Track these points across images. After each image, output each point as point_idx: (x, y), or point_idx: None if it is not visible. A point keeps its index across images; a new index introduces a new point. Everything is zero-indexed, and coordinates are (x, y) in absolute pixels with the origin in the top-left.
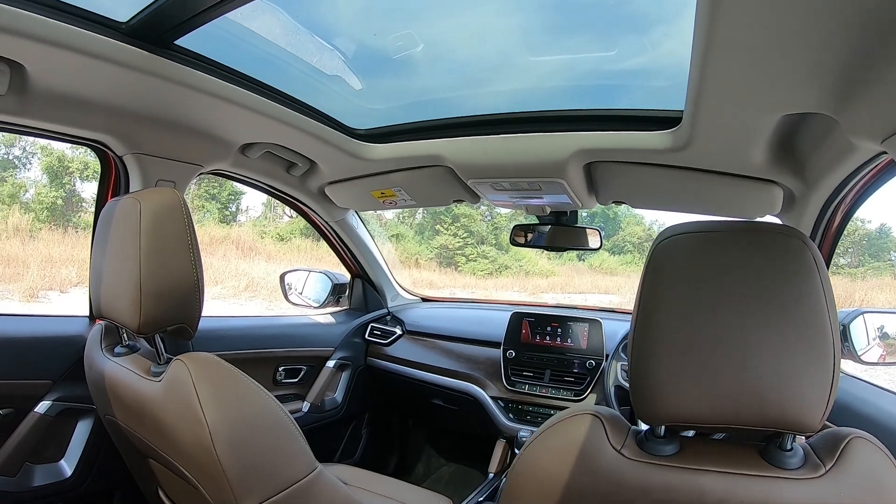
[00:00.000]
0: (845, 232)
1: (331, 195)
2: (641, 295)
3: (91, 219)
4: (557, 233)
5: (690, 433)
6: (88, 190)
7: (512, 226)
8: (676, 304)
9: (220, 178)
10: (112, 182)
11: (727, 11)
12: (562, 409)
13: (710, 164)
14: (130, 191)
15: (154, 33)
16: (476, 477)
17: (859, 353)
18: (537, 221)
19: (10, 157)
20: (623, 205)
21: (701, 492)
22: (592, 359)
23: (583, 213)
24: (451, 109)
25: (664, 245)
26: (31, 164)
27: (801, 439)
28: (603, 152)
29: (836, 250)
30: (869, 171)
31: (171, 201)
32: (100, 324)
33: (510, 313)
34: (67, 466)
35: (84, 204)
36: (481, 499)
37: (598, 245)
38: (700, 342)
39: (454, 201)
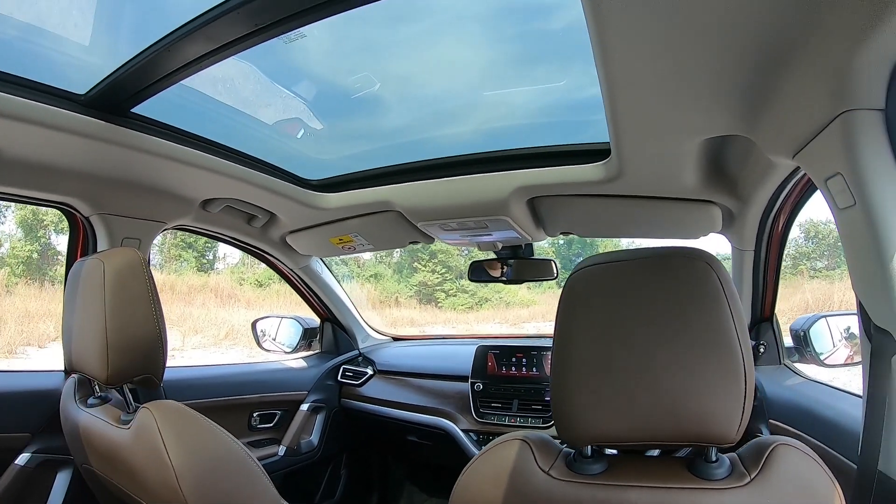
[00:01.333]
0: (820, 235)
1: (292, 243)
2: (558, 323)
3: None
4: (516, 266)
5: (616, 452)
6: (63, 242)
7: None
8: (591, 331)
9: None
10: (80, 241)
11: (618, 50)
12: None
13: (644, 191)
14: (98, 248)
15: (111, 103)
16: None
17: (822, 358)
18: (494, 257)
19: None
20: (570, 234)
21: None
22: None
23: (559, 241)
24: (400, 156)
25: (578, 276)
26: (4, 217)
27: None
28: (542, 187)
29: (812, 254)
30: (798, 183)
31: (132, 260)
32: (73, 377)
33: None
34: None
35: (59, 257)
36: None
37: (555, 275)
38: (615, 366)
39: (410, 243)
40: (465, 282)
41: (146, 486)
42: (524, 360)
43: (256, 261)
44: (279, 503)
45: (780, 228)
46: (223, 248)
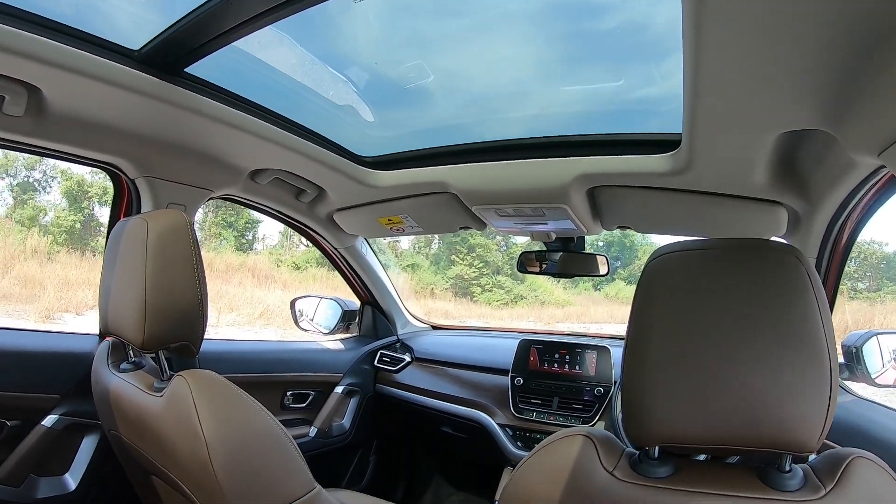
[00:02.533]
0: (863, 255)
1: (339, 222)
2: (634, 314)
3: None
4: (565, 259)
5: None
6: (106, 214)
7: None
8: (669, 322)
9: (237, 206)
10: (124, 204)
11: (713, 38)
12: None
13: (711, 187)
14: (143, 212)
15: (165, 61)
16: None
17: (873, 376)
18: (545, 248)
19: (31, 181)
20: (629, 230)
21: None
22: (601, 386)
23: (598, 243)
24: (456, 136)
25: (656, 263)
26: (50, 187)
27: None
28: (604, 177)
29: (854, 274)
30: (872, 186)
31: (177, 223)
32: (108, 340)
33: (518, 340)
34: (72, 480)
35: (101, 228)
36: None
37: (606, 271)
38: (693, 361)
39: (461, 228)
40: (502, 277)
41: (175, 456)
42: (567, 356)
43: (295, 243)
44: (312, 485)
45: (845, 237)
46: (262, 230)
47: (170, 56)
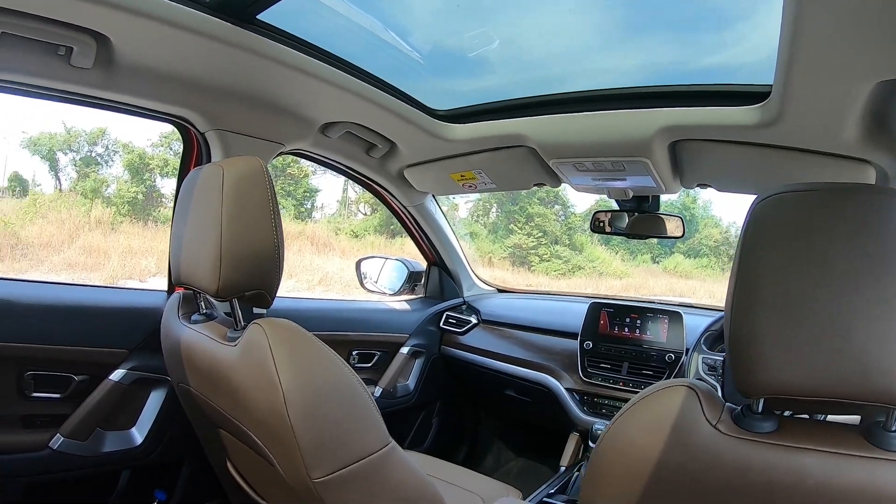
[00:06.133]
0: None
1: (410, 178)
2: (740, 258)
3: (170, 213)
4: (639, 219)
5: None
6: (168, 186)
7: (592, 213)
8: (778, 266)
9: (297, 175)
10: (194, 158)
11: None
12: None
13: (799, 142)
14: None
15: (237, 6)
16: (546, 472)
17: None
18: (618, 208)
19: (93, 155)
20: (707, 188)
21: (801, 473)
22: (672, 352)
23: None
24: (533, 88)
25: (765, 204)
26: (112, 161)
27: None
28: (688, 129)
29: None
30: None
31: (254, 168)
32: (178, 292)
33: (587, 304)
34: (138, 434)
35: (163, 199)
36: (552, 491)
37: (681, 233)
38: (802, 308)
39: (535, 184)
40: (560, 247)
41: (249, 407)
42: (638, 321)
43: (352, 212)
44: (387, 440)
45: None
46: (321, 199)
47: (241, 2)
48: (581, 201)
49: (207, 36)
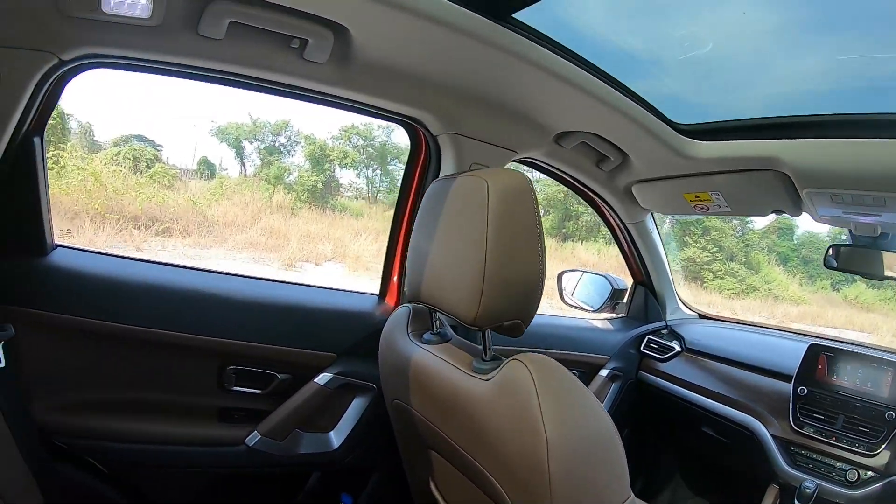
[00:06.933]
0: None
1: (637, 194)
2: None
3: (347, 202)
4: (882, 258)
5: None
6: (346, 176)
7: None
8: None
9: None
10: (421, 161)
11: None
12: (849, 462)
13: None
14: (442, 172)
15: (493, 2)
16: None
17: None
18: (856, 242)
19: (277, 145)
20: None
21: None
22: (893, 410)
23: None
24: (791, 107)
25: None
26: (294, 151)
27: None
28: None
29: None
30: None
31: (522, 185)
32: (407, 306)
33: (804, 344)
34: (335, 438)
35: (341, 189)
36: None
37: None
38: None
39: (773, 212)
40: (736, 265)
41: (495, 447)
42: (860, 370)
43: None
44: (628, 493)
45: None
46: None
47: None
48: (759, 217)
49: (459, 31)
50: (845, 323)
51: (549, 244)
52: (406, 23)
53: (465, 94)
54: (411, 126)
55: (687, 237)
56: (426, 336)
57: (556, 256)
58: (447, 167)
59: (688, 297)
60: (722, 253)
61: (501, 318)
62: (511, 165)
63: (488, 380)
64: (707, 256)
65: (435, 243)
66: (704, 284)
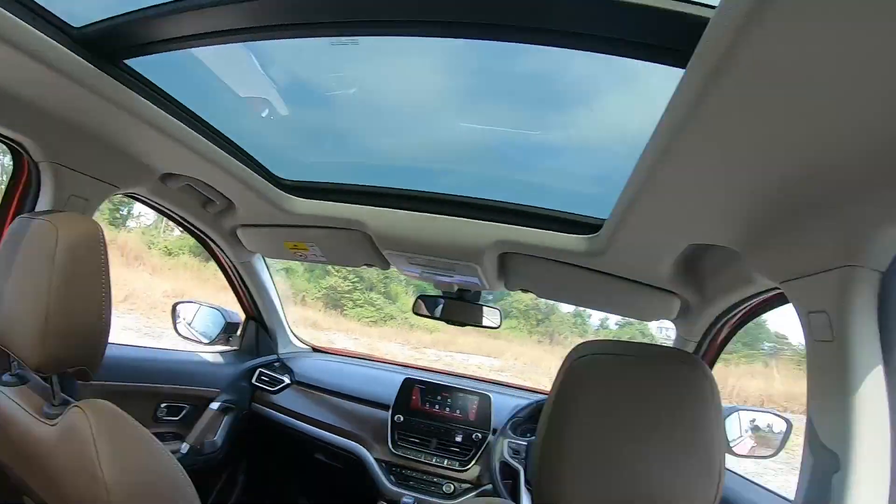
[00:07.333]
0: None
1: (242, 238)
2: (554, 402)
3: None
4: (460, 308)
5: None
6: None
7: (414, 297)
8: (586, 418)
9: None
10: (21, 186)
11: (678, 149)
12: (446, 477)
13: (619, 271)
14: (40, 199)
15: (105, 47)
16: None
17: (731, 445)
18: (441, 294)
19: None
20: (528, 293)
21: None
22: (479, 432)
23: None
24: (377, 177)
25: (581, 362)
26: None
27: None
28: (521, 246)
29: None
30: (762, 296)
31: (90, 233)
32: None
33: (401, 377)
34: None
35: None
36: None
37: (497, 324)
38: (603, 453)
39: (364, 264)
40: (375, 295)
41: (66, 492)
42: (449, 400)
43: (170, 227)
44: None
45: (726, 331)
46: (139, 207)
47: (111, 44)
48: None
49: (61, 71)
50: (474, 348)
51: (192, 262)
52: (10, 52)
53: (70, 127)
54: (14, 149)
55: (329, 266)
56: (5, 377)
57: (200, 276)
58: (46, 195)
59: (327, 323)
60: (363, 283)
61: (66, 364)
62: (117, 199)
63: (54, 425)
64: (348, 286)
65: (10, 284)
66: (345, 312)
